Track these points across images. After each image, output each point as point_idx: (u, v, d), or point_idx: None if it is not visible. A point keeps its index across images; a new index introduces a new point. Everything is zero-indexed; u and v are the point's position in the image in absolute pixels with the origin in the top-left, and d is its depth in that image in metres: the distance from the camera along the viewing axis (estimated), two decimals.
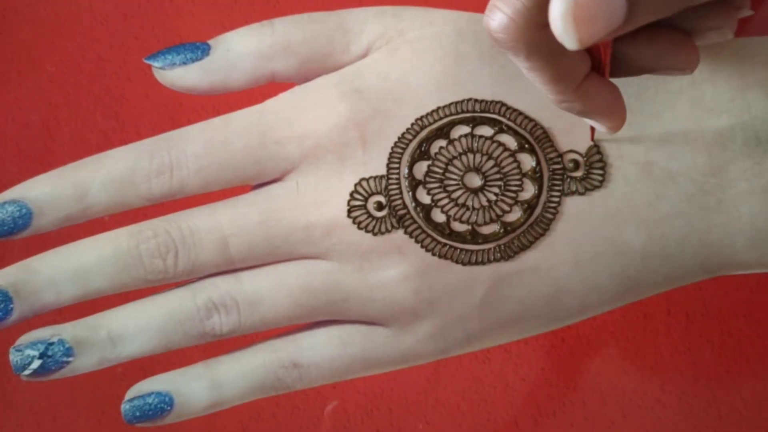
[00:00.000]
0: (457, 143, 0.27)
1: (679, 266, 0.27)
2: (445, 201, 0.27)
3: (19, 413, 0.38)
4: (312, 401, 0.37)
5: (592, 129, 0.26)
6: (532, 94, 0.27)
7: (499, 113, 0.27)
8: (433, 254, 0.26)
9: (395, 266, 0.27)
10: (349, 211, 0.27)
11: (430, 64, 0.27)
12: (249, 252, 0.27)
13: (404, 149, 0.27)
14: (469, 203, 0.27)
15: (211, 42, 0.28)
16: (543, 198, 0.26)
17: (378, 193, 0.27)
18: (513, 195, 0.27)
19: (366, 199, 0.27)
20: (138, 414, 0.27)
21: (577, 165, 0.26)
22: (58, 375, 0.27)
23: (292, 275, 0.27)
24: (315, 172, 0.27)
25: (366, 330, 0.28)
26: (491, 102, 0.27)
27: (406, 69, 0.27)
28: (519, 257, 0.26)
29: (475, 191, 0.27)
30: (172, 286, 0.28)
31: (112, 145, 0.28)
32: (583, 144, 0.26)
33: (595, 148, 0.26)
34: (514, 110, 0.27)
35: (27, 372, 0.27)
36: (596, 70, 0.23)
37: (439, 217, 0.27)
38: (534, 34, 0.21)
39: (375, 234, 0.26)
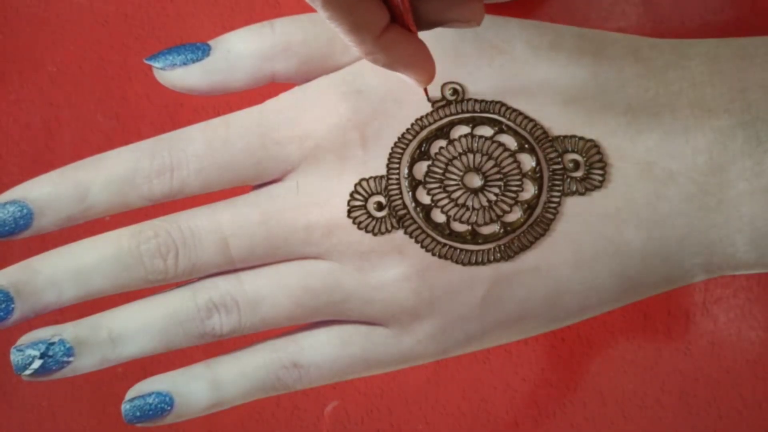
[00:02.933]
0: (457, 143, 0.27)
1: (679, 266, 0.27)
2: (445, 201, 0.27)
3: (19, 413, 0.38)
4: (312, 401, 0.37)
5: (425, 90, 0.26)
6: (532, 94, 0.27)
7: (498, 113, 0.27)
8: (433, 254, 0.26)
9: (395, 266, 0.27)
10: (349, 212, 0.27)
11: None
12: (249, 252, 0.27)
13: (404, 149, 0.27)
14: (469, 203, 0.27)
15: (211, 42, 0.28)
16: (543, 198, 0.26)
17: (378, 193, 0.27)
18: (513, 195, 0.27)
19: (366, 200, 0.27)
20: (138, 414, 0.27)
21: (577, 165, 0.26)
22: (58, 375, 0.27)
23: (293, 275, 0.27)
24: (315, 173, 0.27)
25: (366, 330, 0.28)
26: (491, 102, 0.27)
27: None
28: (519, 257, 0.26)
29: (475, 191, 0.27)
30: (172, 286, 0.28)
31: (113, 145, 0.28)
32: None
33: (596, 148, 0.26)
34: (514, 110, 0.27)
35: (28, 372, 0.27)
36: (399, 22, 0.23)
37: (439, 217, 0.27)
38: None
39: (375, 234, 0.27)
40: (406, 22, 0.23)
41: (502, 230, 0.26)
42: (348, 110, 0.27)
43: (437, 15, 0.24)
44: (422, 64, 0.24)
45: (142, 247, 0.27)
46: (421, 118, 0.27)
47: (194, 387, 0.28)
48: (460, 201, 0.27)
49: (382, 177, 0.27)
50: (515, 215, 0.26)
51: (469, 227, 0.26)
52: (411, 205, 0.27)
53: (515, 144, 0.27)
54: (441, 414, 0.37)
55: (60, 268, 0.27)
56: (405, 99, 0.27)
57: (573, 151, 0.27)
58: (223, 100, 0.32)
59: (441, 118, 0.27)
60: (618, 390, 0.36)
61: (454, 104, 0.27)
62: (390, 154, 0.27)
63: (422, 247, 0.26)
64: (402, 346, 0.27)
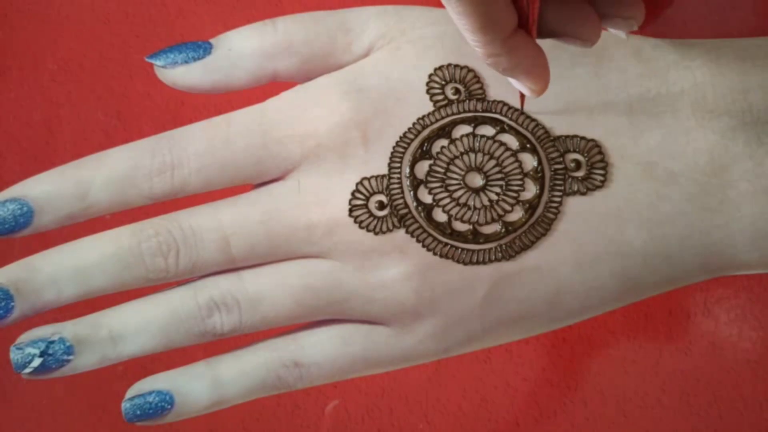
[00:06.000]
0: (458, 143, 0.27)
1: (680, 266, 0.27)
2: (447, 200, 0.27)
3: (19, 411, 0.38)
4: (313, 400, 0.37)
5: (522, 97, 0.26)
6: None
7: (500, 113, 0.27)
8: (435, 254, 0.26)
9: (396, 265, 0.27)
10: (351, 211, 0.27)
11: (431, 64, 0.27)
12: (250, 251, 0.27)
13: (406, 148, 0.27)
14: (471, 203, 0.27)
15: (213, 41, 0.28)
16: (544, 198, 0.26)
17: (379, 192, 0.27)
18: (514, 195, 0.27)
19: (367, 199, 0.27)
20: (138, 413, 0.27)
21: (578, 165, 0.26)
22: (58, 373, 0.27)
23: (294, 274, 0.27)
24: (316, 172, 0.27)
25: (367, 329, 0.28)
26: (493, 101, 0.27)
27: (408, 68, 0.27)
28: (520, 257, 0.26)
29: (477, 191, 0.27)
30: (173, 284, 0.28)
31: (113, 143, 0.28)
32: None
33: (597, 148, 0.26)
34: (516, 110, 0.27)
35: (28, 370, 0.27)
36: (523, 27, 0.23)
37: (440, 216, 0.27)
38: None
39: (376, 233, 0.26)
40: (529, 28, 0.23)
41: (503, 230, 0.26)
42: (349, 109, 0.27)
43: (558, 26, 0.24)
44: (541, 73, 0.24)
45: (143, 245, 0.27)
46: (422, 117, 0.27)
47: (195, 386, 0.28)
48: (462, 200, 0.27)
49: (383, 176, 0.27)
50: (516, 215, 0.26)
51: (471, 227, 0.26)
52: (412, 205, 0.27)
53: (517, 143, 0.27)
54: (442, 413, 0.37)
55: (60, 267, 0.27)
56: (406, 98, 0.27)
57: (574, 151, 0.27)
58: (225, 98, 0.31)
59: (443, 118, 0.27)
60: (619, 390, 0.36)
61: (456, 103, 0.27)
62: (391, 153, 0.27)
63: (423, 246, 0.26)
64: (403, 345, 0.27)
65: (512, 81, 0.25)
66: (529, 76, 0.24)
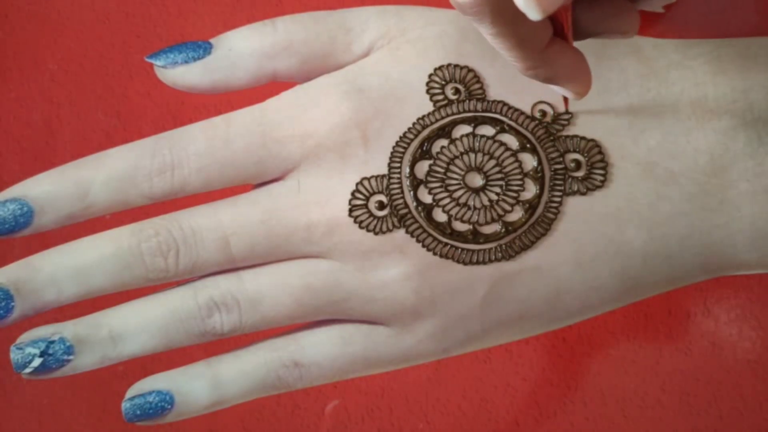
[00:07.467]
0: (458, 143, 0.27)
1: (680, 266, 0.27)
2: (447, 200, 0.27)
3: (20, 411, 0.38)
4: (313, 400, 0.37)
5: (566, 99, 0.26)
6: (534, 93, 0.27)
7: (500, 113, 0.27)
8: (435, 254, 0.26)
9: (396, 265, 0.27)
10: (351, 211, 0.27)
11: (431, 64, 0.27)
12: (250, 251, 0.27)
13: (406, 148, 0.27)
14: (471, 203, 0.27)
15: (213, 41, 0.28)
16: (544, 198, 0.26)
17: (379, 192, 0.27)
18: (514, 195, 0.27)
19: (367, 199, 0.27)
20: (138, 412, 0.27)
21: (578, 165, 0.26)
22: (59, 373, 0.27)
23: (294, 274, 0.27)
24: (316, 172, 0.27)
25: (367, 329, 0.28)
26: (493, 101, 0.27)
27: (408, 68, 0.27)
28: (520, 257, 0.26)
29: (477, 191, 0.27)
30: (173, 284, 0.28)
31: (113, 143, 0.28)
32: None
33: (597, 148, 0.26)
34: (516, 110, 0.27)
35: (28, 370, 0.27)
36: (558, 35, 0.23)
37: (440, 216, 0.27)
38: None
39: (376, 233, 0.26)
40: (566, 35, 0.23)
41: (503, 230, 0.26)
42: (349, 109, 0.27)
43: (594, 26, 0.24)
44: (582, 76, 0.24)
45: (143, 245, 0.27)
46: (422, 117, 0.27)
47: (195, 386, 0.28)
48: (462, 200, 0.27)
49: (383, 176, 0.27)
50: (516, 215, 0.26)
51: (471, 227, 0.26)
52: (412, 205, 0.27)
53: (517, 143, 0.27)
54: (441, 413, 0.37)
55: (60, 266, 0.27)
56: (407, 98, 0.27)
57: (574, 151, 0.27)
58: (225, 98, 0.32)
59: (443, 118, 0.27)
60: (619, 390, 0.36)
61: (456, 103, 0.27)
62: (391, 153, 0.27)
63: (423, 246, 0.26)
64: (403, 345, 0.27)
65: (555, 87, 0.25)
66: (570, 81, 0.24)
